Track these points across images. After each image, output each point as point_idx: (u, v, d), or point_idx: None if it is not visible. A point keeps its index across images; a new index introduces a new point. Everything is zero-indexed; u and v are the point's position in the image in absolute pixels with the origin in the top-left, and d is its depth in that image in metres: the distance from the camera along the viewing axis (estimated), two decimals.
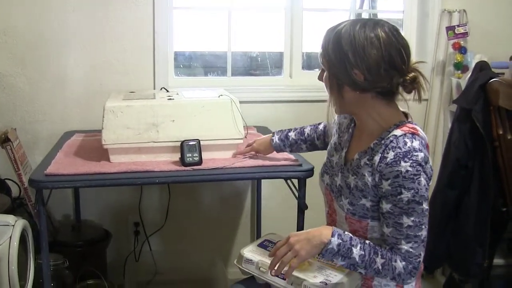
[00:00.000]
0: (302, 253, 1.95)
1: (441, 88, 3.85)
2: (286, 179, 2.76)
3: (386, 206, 1.96)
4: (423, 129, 3.84)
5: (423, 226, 1.94)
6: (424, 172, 1.92)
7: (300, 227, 2.74)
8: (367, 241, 1.99)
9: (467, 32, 3.71)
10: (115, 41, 3.52)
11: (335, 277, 2.06)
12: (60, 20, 3.43)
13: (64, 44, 3.46)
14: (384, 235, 1.99)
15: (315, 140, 2.65)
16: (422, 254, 1.96)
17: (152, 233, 3.74)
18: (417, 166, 1.90)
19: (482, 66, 3.27)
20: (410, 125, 2.02)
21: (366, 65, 1.93)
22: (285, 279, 2.06)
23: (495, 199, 3.12)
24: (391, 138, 1.97)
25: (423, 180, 1.91)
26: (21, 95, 3.46)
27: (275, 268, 2.01)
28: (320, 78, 2.11)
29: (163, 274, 3.69)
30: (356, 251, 1.94)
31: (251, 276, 2.21)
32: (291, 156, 2.84)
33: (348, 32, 1.94)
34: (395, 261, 1.93)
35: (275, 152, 2.77)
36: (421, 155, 1.92)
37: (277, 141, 2.71)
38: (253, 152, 2.83)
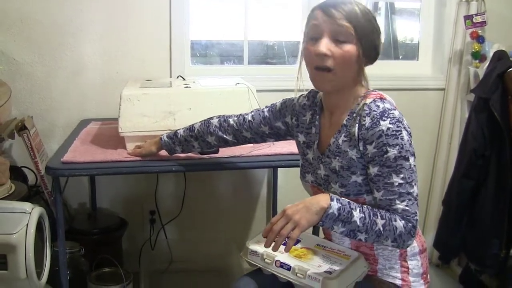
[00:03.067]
0: (302, 222, 1.86)
1: (458, 77, 3.83)
2: None
3: (373, 170, 1.96)
4: (440, 119, 3.86)
5: (413, 183, 1.93)
6: (404, 128, 1.93)
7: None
8: (364, 205, 1.95)
9: (485, 21, 3.67)
10: (132, 30, 3.52)
11: (340, 265, 2.05)
12: (76, 9, 3.43)
13: (80, 32, 3.47)
14: (377, 200, 1.98)
15: (242, 131, 2.44)
16: (418, 212, 1.94)
17: (168, 221, 3.75)
18: (396, 123, 1.91)
19: (500, 55, 3.26)
20: (375, 93, 2.05)
21: (380, 33, 2.04)
22: (289, 269, 2.04)
23: None
24: (362, 107, 1.99)
25: (405, 136, 1.92)
26: (37, 83, 3.47)
27: (274, 243, 1.90)
28: (329, 50, 1.97)
29: (179, 263, 3.70)
30: (357, 214, 1.90)
31: (259, 268, 2.20)
32: None
33: (361, 4, 2.03)
34: (395, 221, 1.90)
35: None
36: (396, 112, 1.95)
37: (166, 139, 2.59)
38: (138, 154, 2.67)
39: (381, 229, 1.90)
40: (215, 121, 2.48)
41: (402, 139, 1.91)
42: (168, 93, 2.74)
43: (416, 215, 1.93)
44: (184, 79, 3.16)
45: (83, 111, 3.55)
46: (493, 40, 3.70)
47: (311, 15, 2.04)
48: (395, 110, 1.95)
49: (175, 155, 2.60)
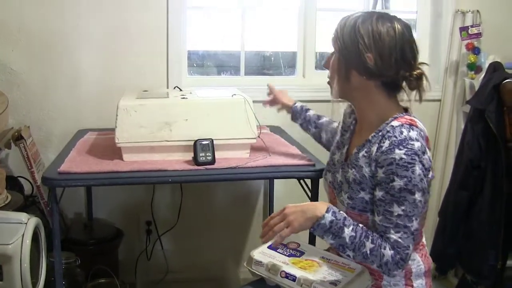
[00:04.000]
0: (294, 224, 1.96)
1: (454, 88, 3.84)
2: (299, 179, 2.77)
3: (378, 194, 1.97)
4: (436, 129, 3.87)
5: (414, 218, 1.93)
6: (421, 162, 1.92)
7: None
8: (360, 225, 1.98)
9: (480, 33, 3.69)
10: (129, 40, 3.53)
11: (345, 278, 2.05)
12: (74, 18, 3.44)
13: (78, 42, 3.47)
14: (375, 224, 2.00)
15: (322, 131, 2.73)
16: (411, 247, 1.95)
17: (164, 232, 3.74)
18: (412, 155, 1.90)
19: (495, 67, 3.27)
20: (408, 117, 2.05)
21: (379, 50, 1.98)
22: (294, 280, 2.05)
23: (508, 199, 3.11)
24: (387, 129, 2.00)
25: (417, 170, 1.91)
26: (34, 93, 3.47)
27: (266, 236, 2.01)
28: (326, 63, 2.17)
29: (175, 273, 3.70)
30: (348, 232, 1.94)
31: (261, 278, 2.21)
32: (305, 156, 2.85)
33: (365, 19, 2.01)
34: (384, 248, 1.92)
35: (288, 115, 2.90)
36: (417, 144, 1.93)
37: (298, 107, 2.84)
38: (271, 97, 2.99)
39: (368, 252, 1.93)
40: (334, 125, 2.70)
41: (413, 172, 1.90)
42: (164, 104, 2.74)
43: (407, 249, 1.93)
44: (180, 90, 3.16)
45: (80, 121, 3.55)
46: (488, 51, 3.71)
47: None
48: (417, 141, 1.94)
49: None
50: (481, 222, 3.20)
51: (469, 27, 3.70)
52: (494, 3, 3.82)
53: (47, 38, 3.43)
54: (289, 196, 3.76)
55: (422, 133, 2.00)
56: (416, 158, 1.90)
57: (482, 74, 3.40)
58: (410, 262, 2.10)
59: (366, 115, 2.13)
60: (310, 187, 2.75)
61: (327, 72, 2.20)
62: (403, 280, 2.12)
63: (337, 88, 2.10)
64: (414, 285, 2.14)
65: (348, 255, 1.98)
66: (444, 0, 3.85)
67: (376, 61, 1.98)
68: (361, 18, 2.01)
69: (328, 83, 2.20)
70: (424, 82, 2.06)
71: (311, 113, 2.81)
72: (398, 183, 1.91)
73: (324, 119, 2.76)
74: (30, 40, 3.41)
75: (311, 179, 2.72)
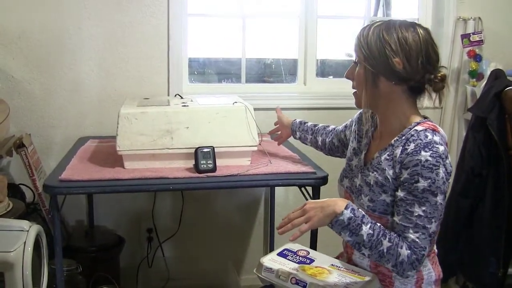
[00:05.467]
0: (314, 220, 1.98)
1: (455, 96, 3.84)
2: (300, 186, 2.76)
3: (400, 194, 1.99)
4: None
5: (433, 220, 1.94)
6: (444, 165, 1.94)
7: (313, 234, 2.74)
8: (378, 223, 2.00)
9: (482, 40, 3.70)
10: (130, 48, 3.53)
11: (355, 284, 2.05)
12: (75, 27, 3.44)
13: (79, 50, 3.48)
14: (394, 224, 2.01)
15: (317, 135, 2.79)
16: (428, 249, 1.96)
17: (165, 239, 3.74)
18: (437, 157, 1.92)
19: (497, 74, 3.27)
20: (431, 123, 2.07)
21: (407, 54, 2.02)
22: (305, 286, 2.04)
23: (509, 207, 3.11)
24: (412, 133, 2.03)
25: (441, 173, 1.92)
26: (35, 100, 3.47)
27: (284, 228, 2.03)
28: (349, 74, 2.18)
29: (176, 281, 3.69)
30: (366, 229, 1.95)
31: (270, 285, 2.20)
32: (306, 163, 2.85)
33: (388, 26, 2.06)
34: (401, 248, 1.93)
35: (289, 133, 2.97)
36: (441, 148, 1.95)
37: (297, 121, 2.91)
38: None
39: (385, 251, 1.93)
40: (330, 128, 2.77)
41: (437, 174, 1.92)
42: (166, 111, 2.74)
43: (424, 250, 1.94)
44: (181, 98, 3.16)
45: (81, 129, 3.55)
46: (490, 58, 3.72)
47: None
48: (441, 145, 1.96)
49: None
50: (482, 230, 3.20)
51: (471, 34, 3.71)
52: (495, 11, 3.83)
53: (47, 46, 3.43)
54: (290, 204, 3.76)
55: (444, 138, 2.02)
56: (441, 161, 1.93)
57: (484, 82, 3.40)
58: (422, 268, 2.11)
59: (388, 122, 2.15)
60: (311, 195, 2.75)
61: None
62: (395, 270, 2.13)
63: (365, 97, 2.12)
64: None
65: (363, 254, 1.99)
66: (446, 7, 3.85)
67: (404, 65, 2.02)
68: (384, 25, 2.06)
69: (354, 93, 2.21)
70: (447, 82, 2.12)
71: (308, 124, 2.86)
72: (422, 184, 1.92)
73: (320, 125, 2.81)
74: (31, 48, 3.42)
75: (312, 186, 2.72)
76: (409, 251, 1.93)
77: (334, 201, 2.01)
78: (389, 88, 2.07)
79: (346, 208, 1.96)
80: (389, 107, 2.12)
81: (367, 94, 2.11)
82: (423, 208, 1.93)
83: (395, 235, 1.97)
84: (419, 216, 1.93)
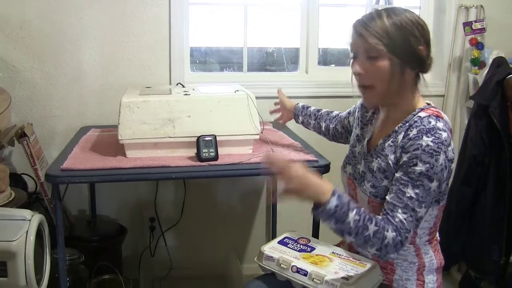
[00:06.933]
0: (294, 191, 1.91)
1: (457, 84, 3.83)
2: None
3: (397, 174, 1.98)
4: None
5: (424, 205, 1.93)
6: (445, 152, 1.93)
7: (315, 223, 2.74)
8: (362, 208, 1.93)
9: (484, 28, 3.68)
10: (131, 36, 3.52)
11: (357, 273, 2.06)
12: (76, 15, 3.43)
13: (80, 39, 3.47)
14: (385, 202, 1.99)
15: (321, 120, 2.81)
16: (412, 232, 1.94)
17: (168, 228, 3.75)
18: (439, 144, 1.91)
19: (499, 62, 3.26)
20: (434, 109, 2.06)
21: (426, 40, 2.03)
22: (306, 275, 2.05)
23: (511, 196, 3.10)
24: (415, 119, 2.02)
25: (441, 159, 1.92)
26: (37, 90, 3.47)
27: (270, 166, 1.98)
28: (365, 69, 2.06)
29: (178, 270, 3.70)
30: (352, 215, 1.88)
31: (270, 273, 2.20)
32: (308, 152, 2.84)
33: (396, 12, 2.02)
34: (387, 231, 1.89)
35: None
36: (444, 135, 1.94)
37: (300, 105, 2.94)
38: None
39: (371, 235, 1.89)
40: (333, 113, 2.78)
41: (436, 160, 1.91)
42: (167, 100, 2.74)
43: (408, 233, 1.92)
44: (183, 86, 3.15)
45: (83, 118, 3.55)
46: (492, 46, 3.71)
47: (350, 33, 2.10)
48: (445, 132, 1.95)
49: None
50: (485, 218, 3.20)
51: (473, 22, 3.69)
52: None
53: (49, 36, 3.43)
54: None
55: (447, 125, 2.01)
56: (442, 147, 1.92)
57: (486, 70, 3.39)
58: (424, 256, 2.12)
59: (395, 109, 2.13)
60: None
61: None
62: (415, 275, 2.13)
63: (388, 91, 2.06)
64: (426, 280, 2.15)
65: (347, 240, 1.95)
66: None
67: (427, 52, 2.04)
68: (391, 13, 2.01)
69: (364, 87, 2.11)
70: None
71: (311, 108, 2.87)
72: (420, 167, 1.91)
73: (323, 111, 2.82)
74: (32, 37, 3.41)
75: None
76: (394, 233, 1.89)
77: (321, 187, 1.90)
78: (412, 78, 2.06)
79: (333, 194, 1.88)
80: (400, 96, 2.09)
81: (391, 88, 2.05)
82: (416, 191, 1.92)
83: (380, 218, 1.94)
84: (411, 197, 1.92)
